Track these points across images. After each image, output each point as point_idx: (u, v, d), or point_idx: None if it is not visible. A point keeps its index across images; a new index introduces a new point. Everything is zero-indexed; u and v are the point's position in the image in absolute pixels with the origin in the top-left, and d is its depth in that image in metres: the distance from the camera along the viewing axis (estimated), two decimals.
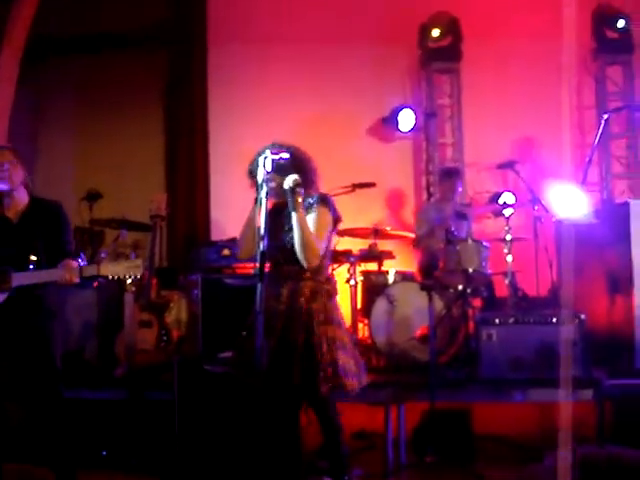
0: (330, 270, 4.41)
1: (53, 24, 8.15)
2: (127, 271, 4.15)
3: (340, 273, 6.86)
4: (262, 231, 3.66)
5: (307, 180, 4.07)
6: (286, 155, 3.94)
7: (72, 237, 4.44)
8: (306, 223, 3.97)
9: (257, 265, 3.64)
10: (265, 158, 3.83)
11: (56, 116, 8.90)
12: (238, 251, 4.21)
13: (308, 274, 4.07)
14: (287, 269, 4.08)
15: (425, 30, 8.49)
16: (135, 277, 4.20)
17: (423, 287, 5.76)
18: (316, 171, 4.20)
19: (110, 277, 4.17)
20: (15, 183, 4.28)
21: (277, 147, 4.03)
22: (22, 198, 4.35)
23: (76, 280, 4.10)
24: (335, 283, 4.28)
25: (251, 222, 4.05)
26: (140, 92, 8.78)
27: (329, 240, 4.21)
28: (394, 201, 8.60)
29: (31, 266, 4.20)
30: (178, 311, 6.20)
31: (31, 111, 8.87)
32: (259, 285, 3.59)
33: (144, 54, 8.77)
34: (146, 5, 8.71)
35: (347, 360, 4.06)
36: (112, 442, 5.46)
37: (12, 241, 4.25)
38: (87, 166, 8.53)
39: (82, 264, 4.15)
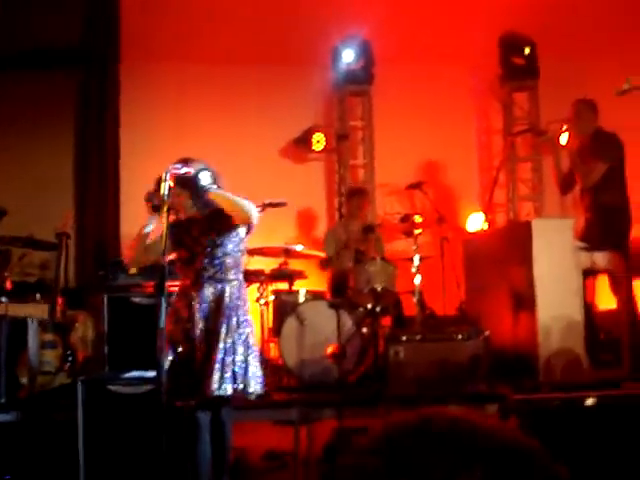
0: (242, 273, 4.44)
1: None
2: None
3: (251, 292, 6.84)
4: (162, 246, 3.67)
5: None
6: (190, 169, 3.95)
7: None
8: (225, 193, 4.10)
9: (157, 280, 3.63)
10: (167, 173, 3.83)
11: None
12: (127, 260, 4.45)
13: (228, 275, 4.18)
14: (205, 273, 4.16)
15: (338, 52, 8.59)
16: None
17: (331, 305, 5.80)
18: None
19: None
20: None
21: (182, 163, 4.04)
22: None
23: None
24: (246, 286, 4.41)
25: (144, 237, 4.13)
26: (51, 110, 8.63)
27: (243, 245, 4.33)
28: (306, 221, 8.65)
29: None
30: (84, 331, 6.07)
31: None
32: (162, 300, 3.59)
33: (56, 73, 8.63)
34: (60, 24, 8.57)
35: (256, 363, 4.22)
36: (16, 466, 5.31)
37: None
38: None
39: None
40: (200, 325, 4.11)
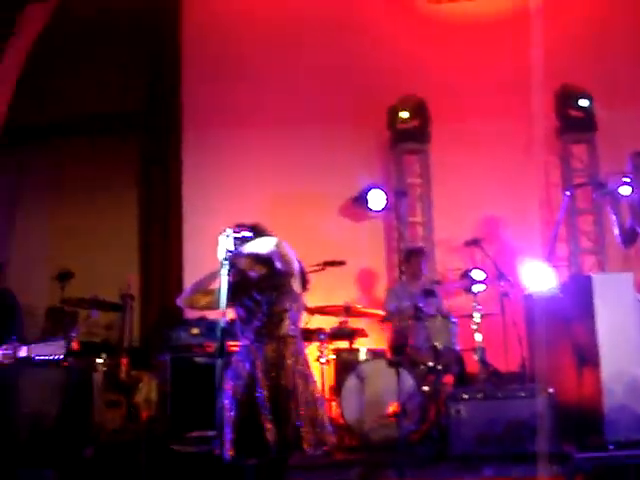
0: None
1: (29, 110, 8.31)
2: (50, 352, 4.34)
3: (311, 351, 6.87)
4: (222, 306, 3.73)
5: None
6: (249, 233, 4.02)
7: (18, 321, 4.88)
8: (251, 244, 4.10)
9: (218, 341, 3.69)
10: (227, 236, 3.92)
11: (32, 198, 9.01)
12: (181, 298, 4.32)
13: (287, 332, 4.16)
14: (264, 330, 4.16)
15: (394, 112, 8.69)
16: (59, 357, 4.36)
17: (391, 363, 5.79)
18: None
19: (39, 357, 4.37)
20: None
21: (240, 226, 4.15)
22: None
23: (7, 362, 4.35)
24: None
25: (210, 279, 4.19)
26: (115, 173, 8.93)
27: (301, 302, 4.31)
28: (365, 279, 8.67)
29: None
30: (148, 391, 6.17)
31: (8, 194, 8.97)
32: (219, 361, 3.64)
33: (119, 136, 8.95)
34: (121, 91, 8.91)
35: (326, 415, 4.18)
36: None
37: None
38: (60, 246, 8.57)
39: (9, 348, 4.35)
40: (264, 383, 4.08)
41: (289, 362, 4.10)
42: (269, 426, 3.94)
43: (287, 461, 4.17)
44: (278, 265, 4.09)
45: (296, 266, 4.15)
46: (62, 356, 4.35)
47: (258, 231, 4.20)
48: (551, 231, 8.52)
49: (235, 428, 4.03)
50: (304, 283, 4.31)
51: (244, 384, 4.05)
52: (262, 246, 4.07)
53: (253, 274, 4.23)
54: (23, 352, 4.33)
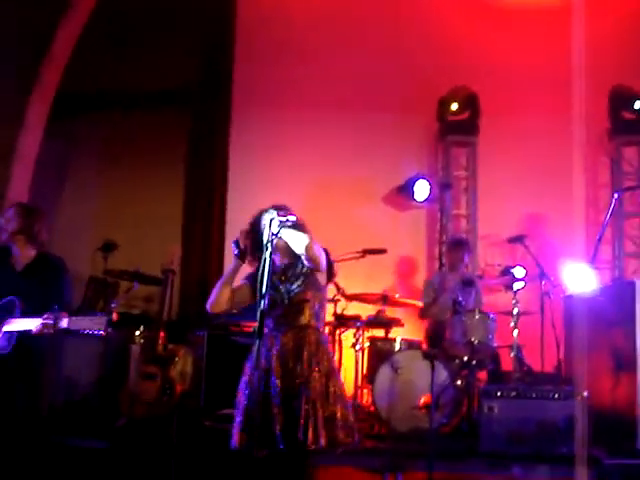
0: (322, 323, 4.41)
1: (83, 81, 8.41)
2: (91, 326, 4.47)
3: (347, 337, 6.91)
4: (264, 289, 3.70)
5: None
6: (293, 218, 4.00)
7: (67, 292, 4.79)
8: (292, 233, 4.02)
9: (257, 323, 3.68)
10: (272, 219, 3.90)
11: (81, 168, 9.15)
12: (209, 304, 4.30)
13: (307, 323, 4.11)
14: (284, 320, 4.12)
15: (444, 103, 8.64)
16: (99, 332, 4.43)
17: (426, 356, 5.78)
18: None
19: (80, 330, 4.42)
20: (9, 235, 4.74)
21: (281, 209, 4.10)
22: (27, 251, 4.77)
23: (47, 332, 4.41)
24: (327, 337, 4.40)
25: (229, 279, 4.22)
26: (163, 149, 8.98)
27: (324, 293, 4.27)
28: (405, 269, 8.66)
29: (18, 311, 4.54)
30: (183, 365, 6.23)
31: (57, 162, 9.10)
32: (257, 342, 3.65)
33: (169, 113, 9.01)
34: (173, 65, 8.95)
35: (346, 413, 4.06)
36: None
37: (13, 290, 4.61)
38: (107, 218, 8.69)
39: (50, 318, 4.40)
40: (278, 372, 4.02)
41: (306, 353, 4.04)
42: (278, 417, 3.88)
43: (305, 456, 4.07)
44: (305, 263, 4.06)
45: (323, 262, 4.09)
46: (103, 331, 4.42)
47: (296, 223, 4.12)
48: (596, 233, 8.43)
49: (244, 417, 4.00)
50: (330, 275, 4.25)
51: (259, 373, 3.97)
52: (295, 241, 4.03)
53: (278, 262, 4.20)
54: (64, 323, 4.40)
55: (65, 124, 8.90)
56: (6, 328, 4.50)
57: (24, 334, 4.47)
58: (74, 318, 4.44)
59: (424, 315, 7.30)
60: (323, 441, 3.89)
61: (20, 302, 4.55)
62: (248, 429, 3.95)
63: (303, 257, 4.02)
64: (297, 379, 3.99)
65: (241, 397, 4.08)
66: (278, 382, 3.97)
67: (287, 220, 3.94)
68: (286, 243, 4.08)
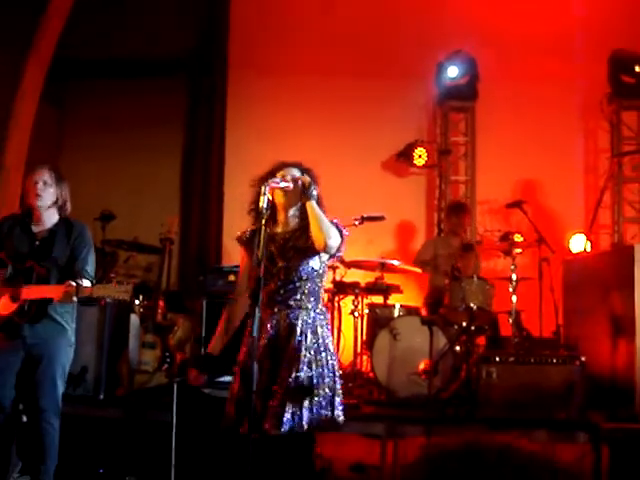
0: (325, 300, 4.28)
1: (78, 46, 8.33)
2: (116, 294, 4.22)
3: (345, 304, 6.91)
4: (260, 256, 3.63)
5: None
6: (289, 184, 3.90)
7: (90, 259, 4.50)
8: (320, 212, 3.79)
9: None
10: (267, 186, 3.74)
11: (77, 135, 9.09)
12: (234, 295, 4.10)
13: (303, 303, 3.88)
14: (278, 296, 3.88)
15: (442, 68, 8.57)
16: (124, 300, 4.27)
17: (424, 322, 5.78)
18: (321, 198, 3.95)
19: (102, 299, 4.27)
20: (44, 203, 4.44)
21: (289, 166, 4.02)
22: (51, 216, 4.50)
23: (70, 301, 4.24)
24: (326, 313, 4.07)
25: (244, 271, 4.01)
26: (161, 117, 8.94)
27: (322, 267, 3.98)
28: (404, 236, 8.65)
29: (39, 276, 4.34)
30: (183, 334, 6.25)
31: (54, 128, 9.06)
32: (256, 309, 3.53)
33: (167, 81, 8.95)
34: (169, 31, 8.88)
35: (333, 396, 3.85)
36: (110, 460, 5.52)
37: (33, 255, 4.41)
38: (104, 187, 8.65)
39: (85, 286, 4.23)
40: (267, 351, 3.82)
41: (297, 332, 3.81)
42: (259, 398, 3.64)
43: (309, 440, 3.92)
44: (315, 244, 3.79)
45: (335, 248, 3.82)
46: (128, 299, 4.29)
47: (303, 170, 4.02)
48: (595, 198, 8.42)
49: (231, 397, 3.89)
50: (337, 251, 3.88)
51: (248, 351, 3.81)
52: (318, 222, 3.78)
53: (281, 230, 3.97)
54: (87, 291, 4.19)
55: (62, 90, 8.86)
56: (26, 295, 4.29)
57: (44, 302, 4.30)
58: (98, 286, 4.26)
59: (417, 264, 7.29)
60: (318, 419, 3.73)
61: (40, 268, 4.36)
62: (235, 410, 3.84)
63: (316, 240, 3.77)
64: (285, 358, 3.80)
65: (233, 381, 3.97)
66: (266, 361, 3.78)
67: (284, 188, 3.88)
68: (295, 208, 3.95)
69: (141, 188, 8.69)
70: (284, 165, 4.06)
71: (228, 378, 5.23)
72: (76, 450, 5.57)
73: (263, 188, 3.74)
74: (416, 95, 8.78)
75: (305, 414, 3.71)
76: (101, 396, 5.82)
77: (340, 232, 3.84)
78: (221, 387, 5.16)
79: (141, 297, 6.71)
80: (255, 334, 3.52)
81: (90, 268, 4.48)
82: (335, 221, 3.85)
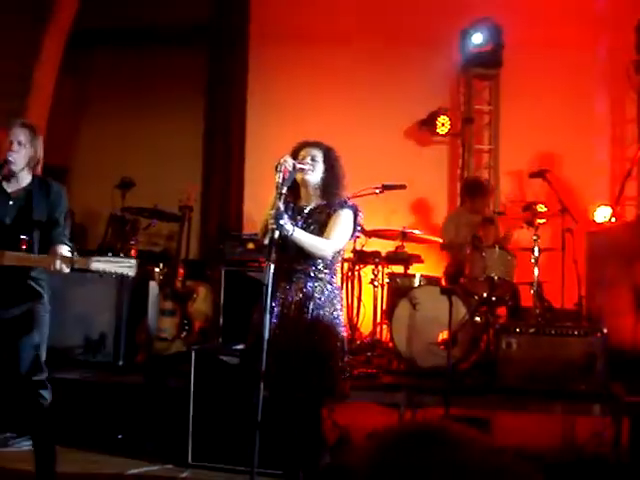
0: (338, 275, 4.33)
1: (99, 15, 8.28)
2: (119, 269, 3.95)
3: (366, 274, 6.88)
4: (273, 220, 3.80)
5: (330, 185, 4.13)
6: (304, 167, 4.05)
7: (68, 223, 4.25)
8: (305, 236, 3.98)
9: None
10: (283, 165, 3.92)
11: (98, 104, 9.07)
12: (261, 234, 4.15)
13: (318, 274, 4.05)
14: (297, 265, 4.05)
15: (467, 35, 8.43)
16: (128, 276, 4.00)
17: (443, 291, 5.72)
18: (343, 177, 4.19)
19: (100, 274, 4.02)
20: (20, 164, 4.20)
21: (308, 144, 4.15)
22: (25, 176, 4.27)
23: (66, 270, 3.92)
24: (339, 288, 4.27)
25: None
26: (182, 85, 8.88)
27: (342, 244, 4.15)
28: (426, 204, 8.57)
29: (23, 247, 4.07)
30: (202, 302, 6.25)
31: (74, 98, 9.04)
32: (269, 265, 3.74)
33: (187, 49, 8.88)
34: (190, 2, 8.81)
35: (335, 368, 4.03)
36: (128, 426, 5.56)
37: (7, 217, 4.16)
38: (124, 155, 8.64)
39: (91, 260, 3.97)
40: (278, 316, 4.01)
41: (309, 301, 3.99)
42: (269, 360, 3.74)
43: (316, 403, 4.10)
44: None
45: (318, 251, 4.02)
46: (132, 274, 3.97)
47: (327, 154, 4.16)
48: (621, 169, 8.29)
49: (244, 358, 4.17)
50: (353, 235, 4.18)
51: (260, 315, 3.89)
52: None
53: (304, 202, 4.21)
54: (85, 265, 3.90)
55: (82, 59, 8.83)
56: (8, 262, 3.96)
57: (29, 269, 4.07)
58: (95, 259, 3.93)
59: (445, 248, 7.21)
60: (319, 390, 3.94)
61: (22, 237, 4.06)
62: (246, 369, 4.05)
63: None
64: (293, 325, 3.99)
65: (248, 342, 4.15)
66: (276, 324, 3.97)
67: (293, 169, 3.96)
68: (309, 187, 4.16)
69: (162, 156, 8.66)
70: (305, 145, 4.20)
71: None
72: (95, 416, 5.64)
73: (278, 166, 3.92)
74: (440, 63, 8.62)
75: (315, 381, 3.89)
76: (120, 363, 5.86)
77: (355, 214, 4.10)
78: (238, 355, 5.17)
79: (161, 265, 6.72)
80: (268, 282, 3.73)
81: (68, 232, 4.22)
82: (351, 203, 4.12)
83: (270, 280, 3.73)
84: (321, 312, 4.00)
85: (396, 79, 8.51)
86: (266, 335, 3.71)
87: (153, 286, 6.20)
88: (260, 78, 8.73)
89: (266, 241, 3.97)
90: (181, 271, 6.32)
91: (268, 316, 3.75)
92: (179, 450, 5.16)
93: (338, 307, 4.10)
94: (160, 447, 5.35)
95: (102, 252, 6.03)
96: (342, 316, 4.14)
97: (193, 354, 5.19)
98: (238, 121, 8.76)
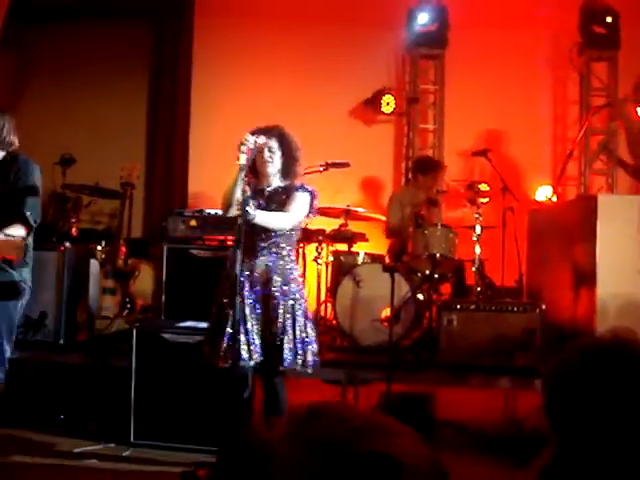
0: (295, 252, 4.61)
1: None
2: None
3: (309, 251, 6.87)
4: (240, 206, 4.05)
5: (288, 167, 4.37)
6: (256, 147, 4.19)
7: (31, 201, 4.22)
8: (267, 216, 4.24)
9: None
10: (245, 144, 4.10)
11: (39, 79, 8.86)
12: (223, 208, 4.34)
13: (282, 251, 4.32)
14: (262, 243, 4.29)
15: (413, 14, 8.45)
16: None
17: (386, 269, 5.75)
18: (299, 160, 4.42)
19: None
20: None
21: (262, 132, 4.27)
22: None
23: None
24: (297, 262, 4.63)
25: (238, 181, 4.19)
26: (125, 61, 8.73)
27: (299, 219, 4.42)
28: (370, 184, 8.60)
29: None
30: (144, 280, 6.20)
31: (14, 73, 8.83)
32: (237, 252, 3.97)
33: (131, 24, 8.72)
34: None
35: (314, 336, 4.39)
36: (70, 406, 5.51)
37: None
38: (65, 131, 8.44)
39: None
40: (246, 294, 4.22)
41: (273, 277, 4.25)
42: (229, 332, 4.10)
43: (272, 372, 4.30)
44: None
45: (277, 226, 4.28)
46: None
47: (282, 139, 4.32)
48: (563, 149, 8.43)
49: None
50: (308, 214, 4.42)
51: (228, 289, 4.17)
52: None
53: (264, 185, 4.42)
54: None
55: (22, 35, 8.61)
56: None
57: None
58: None
59: (391, 236, 7.25)
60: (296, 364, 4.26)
61: None
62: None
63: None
64: (267, 304, 4.23)
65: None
66: (239, 299, 4.11)
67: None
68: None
69: (104, 133, 8.49)
70: (259, 132, 4.31)
71: (188, 323, 5.24)
72: (36, 396, 5.57)
73: (241, 146, 4.10)
74: (386, 42, 8.61)
75: (286, 355, 4.20)
76: (61, 341, 5.77)
77: (312, 197, 4.38)
78: (180, 332, 5.15)
79: (103, 243, 6.65)
80: (237, 271, 4.01)
81: (31, 212, 4.17)
82: (309, 187, 4.40)
83: (238, 269, 4.01)
84: (285, 286, 4.26)
85: (343, 58, 8.48)
86: (237, 316, 4.01)
87: (94, 264, 6.12)
88: (206, 54, 8.63)
89: (229, 214, 4.27)
90: (123, 249, 6.26)
91: (239, 298, 4.04)
92: (121, 429, 5.14)
93: (300, 280, 4.43)
94: (102, 426, 5.32)
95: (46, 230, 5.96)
96: (305, 289, 4.49)
97: (135, 332, 5.15)
98: (183, 97, 8.65)
